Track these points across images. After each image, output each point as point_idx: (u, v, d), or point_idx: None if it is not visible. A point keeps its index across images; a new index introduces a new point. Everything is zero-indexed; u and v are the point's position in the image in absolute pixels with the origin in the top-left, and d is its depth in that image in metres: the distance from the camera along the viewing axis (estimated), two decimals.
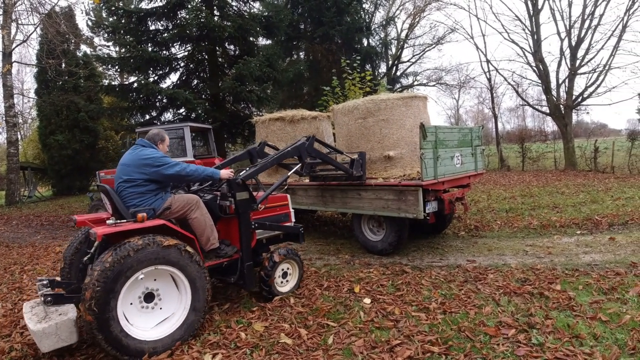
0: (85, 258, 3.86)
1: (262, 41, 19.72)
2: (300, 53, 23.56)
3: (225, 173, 4.47)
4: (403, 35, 30.59)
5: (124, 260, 3.44)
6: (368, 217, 6.81)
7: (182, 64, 16.46)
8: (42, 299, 3.62)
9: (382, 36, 25.55)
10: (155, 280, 3.83)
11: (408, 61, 31.66)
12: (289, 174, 5.54)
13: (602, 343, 3.37)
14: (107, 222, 3.72)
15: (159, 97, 14.82)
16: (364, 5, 23.91)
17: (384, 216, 6.37)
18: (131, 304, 3.68)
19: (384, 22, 26.05)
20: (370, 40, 24.34)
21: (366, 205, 6.46)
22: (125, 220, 3.80)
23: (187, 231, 4.10)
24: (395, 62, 30.14)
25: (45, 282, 3.77)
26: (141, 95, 14.97)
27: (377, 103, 6.68)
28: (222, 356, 3.59)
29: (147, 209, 3.94)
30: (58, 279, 4.11)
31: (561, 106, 20.47)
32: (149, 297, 3.79)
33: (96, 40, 26.75)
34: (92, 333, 3.37)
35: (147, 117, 16.21)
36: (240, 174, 4.67)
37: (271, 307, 4.60)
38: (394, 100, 6.64)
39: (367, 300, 4.64)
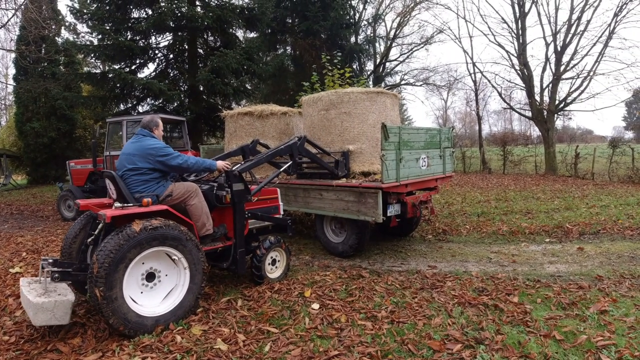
0: (89, 239, 4.15)
1: (248, 34, 19.41)
2: (287, 47, 23.26)
3: (222, 165, 4.78)
4: (391, 34, 30.34)
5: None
6: (330, 217, 6.60)
7: (160, 55, 16.04)
8: (49, 275, 3.78)
9: (368, 33, 25.29)
10: (167, 276, 4.14)
11: (395, 60, 31.44)
12: (280, 170, 5.75)
13: None
14: (115, 205, 3.99)
15: (135, 87, 14.43)
16: (351, 2, 23.62)
17: (346, 218, 6.17)
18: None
19: (370, 20, 25.82)
20: (357, 38, 24.09)
21: (327, 206, 6.25)
22: (131, 205, 4.06)
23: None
24: (383, 61, 29.89)
25: (50, 261, 3.97)
26: (117, 85, 14.58)
27: (340, 95, 6.51)
28: None
29: (151, 194, 4.23)
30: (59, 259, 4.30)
31: (544, 110, 20.43)
32: (150, 276, 4.04)
33: (79, 27, 26.08)
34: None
35: (123, 107, 15.79)
36: (237, 166, 4.95)
37: (215, 310, 4.40)
38: (357, 94, 6.46)
39: (316, 306, 4.43)
